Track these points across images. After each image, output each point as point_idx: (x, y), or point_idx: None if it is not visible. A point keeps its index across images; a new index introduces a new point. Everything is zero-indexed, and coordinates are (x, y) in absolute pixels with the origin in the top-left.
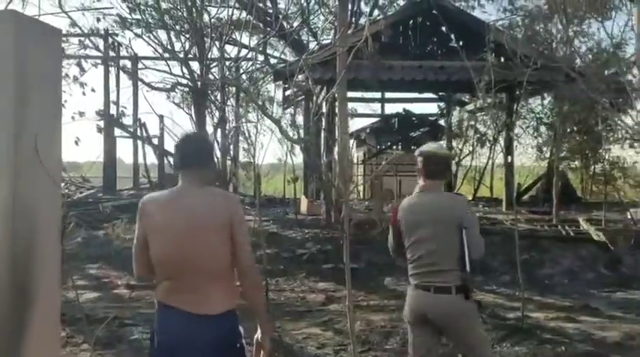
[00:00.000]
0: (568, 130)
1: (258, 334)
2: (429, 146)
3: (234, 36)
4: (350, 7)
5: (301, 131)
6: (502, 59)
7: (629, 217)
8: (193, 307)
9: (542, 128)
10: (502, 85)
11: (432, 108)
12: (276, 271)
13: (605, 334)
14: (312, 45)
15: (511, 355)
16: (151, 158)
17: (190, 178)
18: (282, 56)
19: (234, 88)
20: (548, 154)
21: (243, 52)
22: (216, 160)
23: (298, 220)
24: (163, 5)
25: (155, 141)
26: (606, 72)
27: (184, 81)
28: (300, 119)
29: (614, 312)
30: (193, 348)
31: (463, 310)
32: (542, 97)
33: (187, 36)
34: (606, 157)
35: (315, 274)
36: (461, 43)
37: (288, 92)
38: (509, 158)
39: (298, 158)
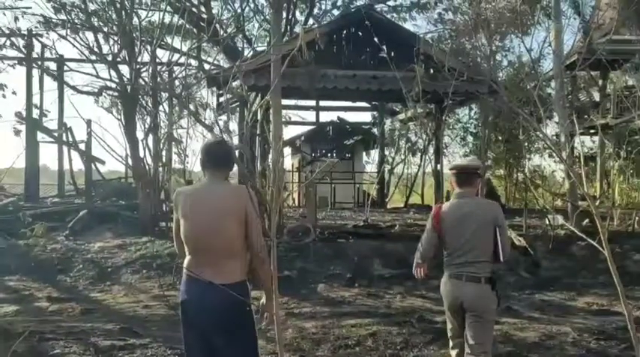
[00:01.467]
0: (493, 139)
1: (263, 300)
2: (458, 161)
3: (166, 40)
4: (285, 15)
5: (235, 138)
6: (431, 71)
7: (547, 222)
8: (211, 277)
9: (469, 137)
10: (429, 96)
11: (365, 117)
12: None
13: (524, 334)
14: (247, 52)
15: None
16: (78, 164)
17: (213, 175)
18: (216, 62)
19: (166, 94)
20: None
21: (176, 57)
22: (147, 167)
23: None
24: (91, 6)
25: (82, 146)
26: (527, 85)
27: (113, 85)
28: (234, 126)
29: (533, 313)
30: (211, 310)
31: (488, 298)
32: (469, 107)
33: (116, 39)
34: (527, 165)
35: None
36: (392, 53)
37: (222, 99)
38: (439, 166)
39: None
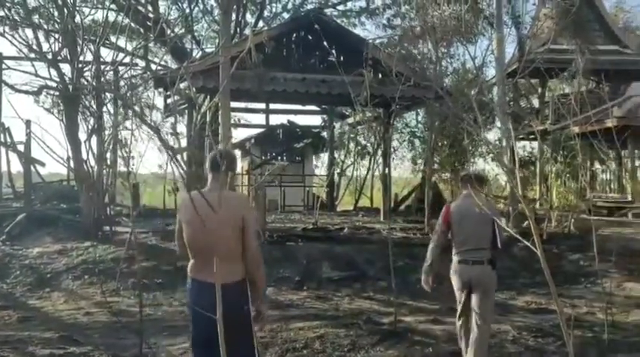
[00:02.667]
0: (439, 143)
1: (258, 304)
2: (465, 171)
3: (110, 39)
4: (234, 17)
5: (183, 140)
6: (380, 75)
7: (502, 225)
8: (209, 278)
9: (417, 142)
10: (377, 100)
11: (315, 120)
12: (154, 285)
13: None
14: (196, 53)
15: None
16: (17, 166)
17: (216, 182)
18: (163, 63)
19: (110, 94)
20: (422, 166)
21: (121, 56)
22: (90, 169)
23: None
24: (32, 3)
25: (21, 147)
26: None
27: (54, 84)
28: (182, 128)
29: None
30: (212, 308)
31: (490, 276)
32: (416, 112)
33: (57, 37)
34: (472, 168)
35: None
36: (342, 58)
37: (169, 100)
38: (387, 170)
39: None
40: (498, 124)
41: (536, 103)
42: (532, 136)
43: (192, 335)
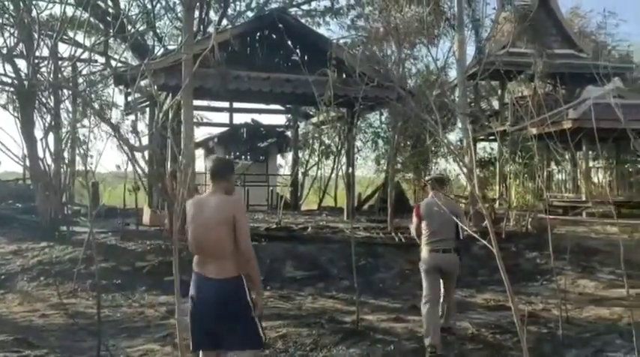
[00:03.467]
0: (402, 144)
1: (254, 294)
2: (432, 175)
3: (68, 34)
4: (198, 14)
5: (144, 139)
6: (343, 75)
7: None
8: (211, 274)
9: (380, 142)
10: (340, 100)
11: (280, 119)
12: (113, 285)
13: None
14: (158, 50)
15: None
16: None
17: (213, 186)
18: (124, 59)
19: (68, 91)
20: (385, 166)
21: (80, 52)
22: (47, 168)
23: (140, 232)
24: None
25: None
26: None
27: (9, 80)
28: (144, 126)
29: None
30: (212, 300)
31: (456, 262)
32: (380, 112)
33: (13, 31)
34: (434, 169)
35: (157, 287)
36: (306, 57)
37: (130, 98)
38: (350, 170)
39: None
40: (460, 125)
41: (496, 104)
42: (492, 137)
43: (190, 326)
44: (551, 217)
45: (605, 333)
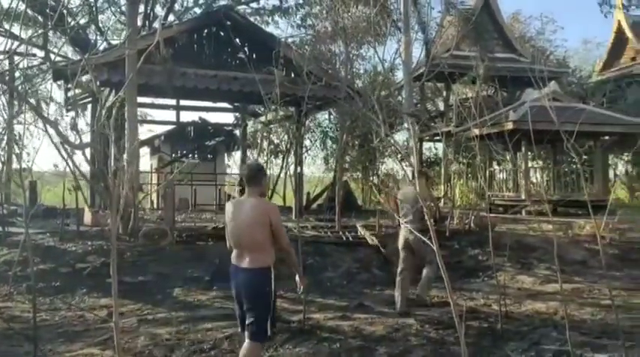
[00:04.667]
0: (350, 143)
1: (297, 277)
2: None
3: (4, 26)
4: (143, 9)
5: (86, 136)
6: (292, 74)
7: (397, 222)
8: (245, 264)
9: (329, 141)
10: (287, 98)
11: (228, 118)
12: (51, 288)
13: (373, 328)
14: (100, 44)
15: (292, 356)
16: None
17: (248, 191)
18: (64, 53)
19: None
20: (333, 166)
21: (17, 45)
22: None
23: (80, 232)
24: None
25: None
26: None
27: None
28: (85, 123)
29: (382, 308)
30: (243, 286)
31: (421, 238)
32: (328, 112)
33: None
34: (382, 169)
35: (98, 290)
36: (254, 55)
37: (70, 93)
38: (299, 169)
39: (83, 165)
40: (406, 125)
41: (442, 105)
42: (437, 138)
43: (235, 308)
44: (492, 215)
45: (542, 326)
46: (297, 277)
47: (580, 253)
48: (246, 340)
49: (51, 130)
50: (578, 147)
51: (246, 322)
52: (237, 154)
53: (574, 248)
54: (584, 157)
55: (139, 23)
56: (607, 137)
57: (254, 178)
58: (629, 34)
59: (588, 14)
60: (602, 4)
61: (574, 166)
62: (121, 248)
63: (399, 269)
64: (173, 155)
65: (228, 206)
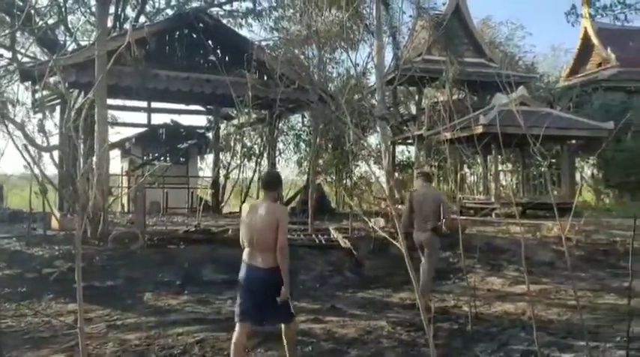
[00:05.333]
0: (323, 146)
1: (283, 286)
2: (421, 169)
3: None
4: (113, 9)
5: (54, 138)
6: (265, 77)
7: (370, 225)
8: (259, 263)
9: (302, 144)
10: (259, 101)
11: (201, 120)
12: (17, 294)
13: (345, 331)
14: (69, 45)
15: None
16: None
17: (264, 194)
18: (31, 54)
19: None
20: (307, 169)
21: None
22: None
23: (47, 237)
24: None
25: None
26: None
27: None
28: (53, 125)
29: (354, 310)
30: (256, 284)
31: (433, 238)
32: (302, 115)
33: None
34: (355, 172)
35: (65, 295)
36: (227, 58)
37: (38, 95)
38: None
39: (51, 168)
40: (378, 128)
41: (414, 109)
42: (409, 141)
43: (238, 301)
44: (463, 218)
45: (510, 327)
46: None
47: (548, 254)
48: (282, 325)
49: (17, 133)
50: (546, 151)
51: (273, 313)
52: (209, 157)
53: (542, 250)
54: (552, 160)
55: (109, 24)
56: (574, 141)
57: (271, 184)
58: (595, 41)
59: (557, 21)
60: (568, 13)
61: (542, 170)
62: (90, 252)
63: (423, 277)
64: (144, 158)
65: (245, 207)
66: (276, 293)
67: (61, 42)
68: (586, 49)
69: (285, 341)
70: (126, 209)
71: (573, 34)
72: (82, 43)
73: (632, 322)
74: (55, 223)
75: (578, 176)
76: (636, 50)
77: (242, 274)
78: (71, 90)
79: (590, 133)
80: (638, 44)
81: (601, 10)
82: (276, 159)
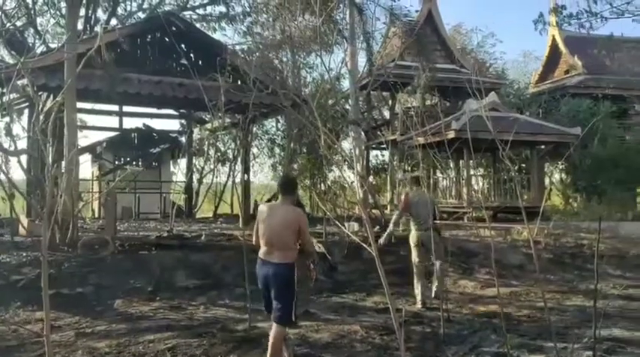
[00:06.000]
0: (298, 151)
1: (312, 269)
2: (412, 174)
3: None
4: (84, 12)
5: (22, 142)
6: (238, 81)
7: (344, 229)
8: (274, 260)
9: (276, 149)
10: (232, 106)
11: (174, 124)
12: None
13: (319, 335)
14: (38, 47)
15: None
16: None
17: (282, 198)
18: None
19: None
20: (281, 173)
21: None
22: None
23: (15, 243)
24: None
25: None
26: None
27: None
28: (21, 129)
29: (328, 315)
30: (271, 278)
31: (432, 235)
32: (276, 120)
33: None
34: (329, 176)
35: (33, 303)
36: (200, 62)
37: (5, 98)
38: (246, 176)
39: (19, 173)
40: (352, 133)
41: (388, 114)
42: (383, 146)
43: (262, 292)
44: (436, 221)
45: (481, 329)
46: (312, 268)
47: (518, 257)
48: (273, 324)
49: None
50: (516, 155)
51: (274, 308)
52: (182, 162)
53: (512, 253)
54: (523, 165)
55: (80, 27)
56: (543, 146)
57: (289, 188)
58: (562, 48)
59: (526, 29)
60: (536, 21)
61: (512, 174)
62: (59, 259)
63: (415, 262)
64: (116, 162)
65: (263, 208)
66: (285, 289)
67: (30, 44)
68: (554, 56)
69: (269, 342)
70: (96, 215)
71: (542, 42)
72: (52, 46)
73: (599, 324)
74: (22, 230)
75: (547, 180)
76: (602, 58)
77: (258, 269)
78: (40, 93)
79: (558, 139)
80: (603, 52)
81: (567, 18)
82: (250, 163)
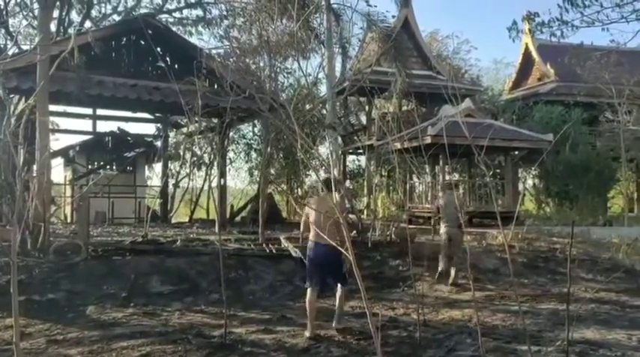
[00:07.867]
0: (274, 155)
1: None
2: (446, 180)
3: None
4: (57, 14)
5: None
6: (215, 86)
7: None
8: (325, 242)
9: (253, 153)
10: (209, 110)
11: (149, 128)
12: None
13: (296, 341)
14: (10, 49)
15: None
16: None
17: (326, 192)
18: None
19: None
20: (258, 178)
21: None
22: None
23: None
24: None
25: None
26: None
27: None
28: None
29: (305, 320)
30: (324, 257)
31: (459, 233)
32: (252, 124)
33: None
34: (306, 181)
35: (3, 309)
36: (177, 66)
37: None
38: (222, 181)
39: None
40: (328, 138)
41: (364, 119)
42: (360, 151)
43: (307, 271)
44: (412, 226)
45: (457, 333)
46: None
47: (492, 261)
48: (339, 287)
49: None
50: (491, 161)
51: (334, 279)
52: (158, 166)
53: (487, 257)
54: (497, 170)
55: (53, 29)
56: (517, 152)
57: (327, 186)
58: (535, 56)
59: (500, 36)
60: (510, 28)
61: (487, 179)
62: (30, 265)
63: (442, 254)
64: (89, 166)
65: (314, 199)
66: (337, 263)
67: (2, 46)
68: (527, 64)
69: (336, 299)
70: (69, 220)
71: (515, 49)
72: (24, 48)
73: (572, 326)
74: None
75: (521, 186)
76: (573, 66)
77: (311, 251)
78: (11, 95)
79: (532, 145)
80: (574, 60)
81: (539, 26)
82: (227, 168)
